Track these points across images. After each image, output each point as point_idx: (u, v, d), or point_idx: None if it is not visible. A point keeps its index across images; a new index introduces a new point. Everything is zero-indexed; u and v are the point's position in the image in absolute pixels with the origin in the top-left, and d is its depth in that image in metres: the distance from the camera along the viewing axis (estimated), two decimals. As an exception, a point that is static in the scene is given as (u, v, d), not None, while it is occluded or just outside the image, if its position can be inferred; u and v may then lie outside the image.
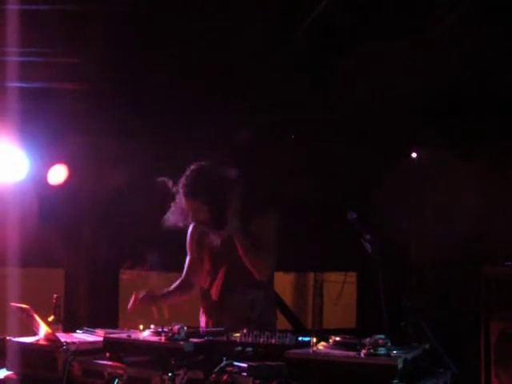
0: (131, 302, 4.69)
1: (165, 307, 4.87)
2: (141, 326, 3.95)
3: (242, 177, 4.74)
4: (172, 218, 4.73)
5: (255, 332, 3.60)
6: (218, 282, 4.72)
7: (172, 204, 4.73)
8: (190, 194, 4.61)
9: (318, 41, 5.65)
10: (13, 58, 5.82)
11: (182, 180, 4.65)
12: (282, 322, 7.44)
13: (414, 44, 5.48)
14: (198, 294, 4.90)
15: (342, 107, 6.33)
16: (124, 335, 3.83)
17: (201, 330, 4.00)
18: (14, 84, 6.16)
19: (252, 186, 4.91)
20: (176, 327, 3.60)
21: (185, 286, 4.93)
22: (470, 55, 5.58)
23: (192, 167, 4.68)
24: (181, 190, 4.64)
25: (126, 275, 7.64)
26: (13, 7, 5.14)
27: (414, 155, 7.49)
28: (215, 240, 4.70)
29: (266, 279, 4.69)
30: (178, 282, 4.94)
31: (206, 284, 4.79)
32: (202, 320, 4.83)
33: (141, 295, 4.69)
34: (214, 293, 4.72)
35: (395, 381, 3.01)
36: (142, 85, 6.43)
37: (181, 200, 4.66)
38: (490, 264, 6.22)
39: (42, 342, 4.07)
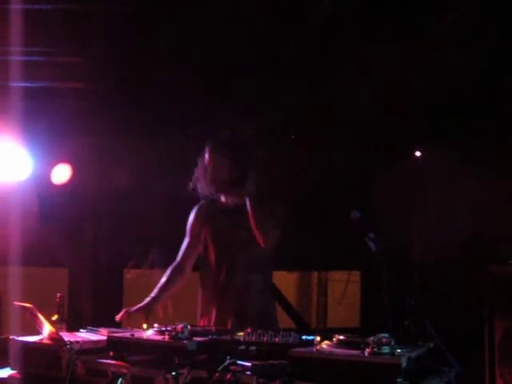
0: (121, 314, 4.65)
1: (169, 304, 4.87)
2: (144, 325, 3.95)
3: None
4: (198, 184, 4.78)
5: (259, 331, 3.60)
6: (223, 263, 4.70)
7: (199, 169, 4.78)
8: (215, 145, 4.69)
9: (318, 41, 5.64)
10: (16, 58, 5.82)
11: (216, 137, 4.75)
12: (286, 321, 7.46)
13: (415, 44, 5.48)
14: (199, 279, 4.87)
15: (343, 107, 6.33)
16: (127, 334, 3.82)
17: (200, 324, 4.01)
18: (17, 83, 6.16)
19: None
20: (179, 326, 3.59)
21: (176, 274, 4.88)
22: (471, 55, 5.57)
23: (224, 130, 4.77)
24: (207, 146, 4.71)
25: (129, 274, 7.64)
26: (16, 7, 5.14)
27: (417, 154, 7.48)
28: (229, 201, 4.70)
29: (270, 247, 4.66)
30: (168, 272, 4.88)
31: (211, 265, 4.77)
32: (201, 308, 4.79)
33: (132, 310, 4.66)
34: (220, 274, 4.70)
35: (399, 379, 3.01)
36: (144, 84, 6.43)
37: (204, 160, 4.72)
38: (494, 263, 6.22)
39: (45, 341, 4.06)
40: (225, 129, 4.78)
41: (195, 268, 4.94)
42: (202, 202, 4.90)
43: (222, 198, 4.77)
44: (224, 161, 4.67)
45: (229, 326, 4.43)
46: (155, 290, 4.81)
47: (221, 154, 4.68)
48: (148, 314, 4.61)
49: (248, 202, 4.58)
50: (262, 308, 4.69)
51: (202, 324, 4.66)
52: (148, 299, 4.75)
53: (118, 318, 4.62)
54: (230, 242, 4.70)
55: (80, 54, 6.04)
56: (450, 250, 6.87)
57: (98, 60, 6.08)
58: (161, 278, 4.91)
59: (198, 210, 4.91)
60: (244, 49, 5.70)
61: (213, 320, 4.65)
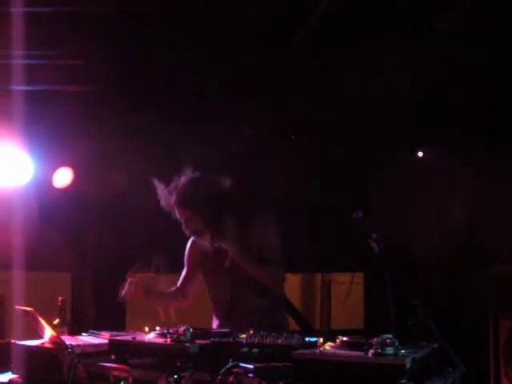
0: (126, 287, 4.64)
1: (172, 309, 4.86)
2: (146, 328, 3.94)
3: (239, 188, 4.72)
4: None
5: (261, 333, 3.57)
6: (226, 293, 4.69)
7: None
8: (180, 203, 4.59)
9: (318, 41, 5.63)
10: (17, 61, 5.81)
11: (175, 190, 4.62)
12: (289, 323, 7.43)
13: (415, 44, 5.47)
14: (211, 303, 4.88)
15: (343, 107, 6.32)
16: (129, 337, 3.81)
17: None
18: (18, 87, 6.15)
19: (249, 190, 4.89)
20: (181, 329, 3.57)
21: (178, 295, 4.93)
22: (471, 55, 5.56)
23: (183, 177, 4.65)
24: (173, 201, 4.61)
25: (132, 278, 7.62)
26: (17, 10, 5.14)
27: (420, 154, 7.47)
28: (216, 247, 4.65)
29: (279, 290, 4.67)
30: (173, 289, 4.93)
31: (216, 296, 4.77)
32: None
33: (136, 281, 4.66)
34: (225, 302, 4.70)
35: (403, 380, 2.99)
36: (146, 87, 6.42)
37: (174, 207, 4.64)
38: (497, 263, 6.21)
39: (47, 345, 4.06)
40: (189, 180, 4.68)
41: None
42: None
43: (206, 246, 4.71)
44: (192, 214, 4.59)
45: None
46: (161, 290, 4.86)
47: (187, 208, 4.59)
48: (144, 296, 4.64)
49: (238, 261, 4.55)
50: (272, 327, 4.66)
51: None
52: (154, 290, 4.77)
53: (122, 295, 4.65)
54: (229, 279, 4.67)
55: (81, 57, 6.03)
56: (453, 250, 6.86)
57: (100, 63, 6.07)
58: (163, 282, 4.91)
59: (192, 244, 4.90)
60: (244, 49, 5.70)
61: None
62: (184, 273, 4.94)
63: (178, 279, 5.04)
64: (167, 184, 4.69)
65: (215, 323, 4.79)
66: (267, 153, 7.17)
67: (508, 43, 5.51)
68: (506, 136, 6.49)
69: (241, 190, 4.77)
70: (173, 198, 4.62)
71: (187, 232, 4.70)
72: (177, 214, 4.65)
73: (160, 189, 4.68)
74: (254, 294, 4.61)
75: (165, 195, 4.66)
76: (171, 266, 4.96)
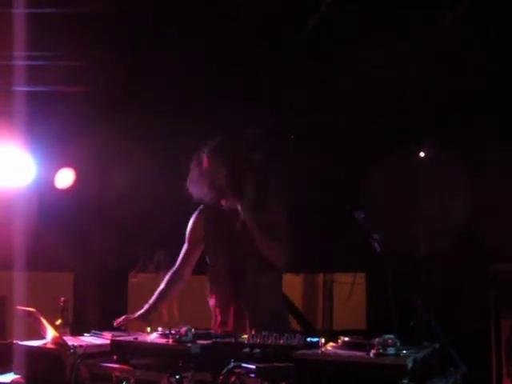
0: (121, 319, 4.65)
1: (175, 309, 4.86)
2: (148, 329, 3.94)
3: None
4: (194, 188, 4.75)
5: (263, 333, 3.58)
6: (231, 267, 4.68)
7: (194, 173, 4.76)
8: (213, 151, 4.68)
9: (318, 40, 5.64)
10: (19, 62, 5.82)
11: (209, 144, 4.72)
12: (291, 323, 7.43)
13: (415, 43, 5.47)
14: (208, 283, 4.85)
15: (343, 107, 6.32)
16: (131, 338, 3.81)
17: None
18: (20, 88, 6.16)
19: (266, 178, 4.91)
20: (183, 329, 3.58)
21: (175, 279, 4.88)
22: (472, 54, 5.56)
23: (217, 138, 4.76)
24: (204, 150, 4.70)
25: (134, 278, 7.63)
26: (19, 11, 5.14)
27: (421, 154, 7.46)
28: (230, 206, 4.66)
29: (283, 265, 4.67)
30: (167, 277, 4.89)
31: (218, 269, 4.75)
32: (217, 310, 4.76)
33: (132, 317, 4.68)
34: (229, 277, 4.67)
35: (405, 381, 2.99)
36: (148, 88, 6.42)
37: (203, 165, 4.70)
38: (498, 261, 6.20)
39: (49, 346, 4.05)
40: (222, 134, 4.76)
41: (199, 272, 4.93)
42: (201, 207, 4.89)
43: (222, 203, 4.74)
44: (221, 167, 4.65)
45: (247, 325, 4.41)
46: (154, 297, 4.82)
47: (218, 160, 4.66)
48: (148, 321, 4.59)
49: (250, 226, 4.57)
50: (274, 307, 4.68)
51: (219, 326, 4.65)
52: (147, 306, 4.77)
53: (116, 322, 4.62)
54: (234, 246, 4.68)
55: (83, 58, 6.04)
56: (454, 249, 6.85)
57: (101, 64, 6.07)
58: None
59: (197, 216, 4.89)
60: (244, 49, 5.70)
61: (231, 316, 4.64)
62: (184, 249, 4.91)
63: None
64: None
65: (211, 301, 4.77)
66: (267, 153, 7.17)
67: (508, 43, 5.51)
68: (505, 136, 6.48)
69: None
70: (206, 149, 4.71)
71: (205, 189, 4.70)
72: (204, 166, 4.70)
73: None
74: (255, 267, 4.61)
75: (195, 159, 4.74)
76: (172, 262, 4.97)
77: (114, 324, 4.61)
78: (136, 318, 4.67)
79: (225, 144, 4.74)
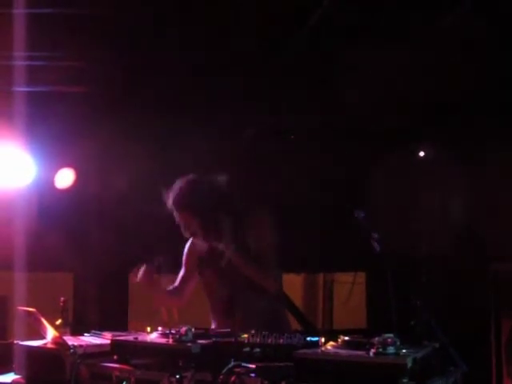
0: (142, 271, 4.67)
1: (174, 309, 4.87)
2: (148, 328, 3.94)
3: (235, 189, 4.73)
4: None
5: (263, 332, 3.58)
6: (224, 295, 4.70)
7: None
8: (179, 206, 4.62)
9: (318, 40, 5.64)
10: (19, 62, 5.81)
11: (172, 193, 4.65)
12: (291, 323, 7.43)
13: (415, 43, 5.47)
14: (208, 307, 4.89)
15: (343, 107, 6.32)
16: (131, 337, 3.82)
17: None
18: (20, 88, 6.16)
19: (248, 190, 4.90)
20: (183, 329, 3.58)
21: (174, 294, 4.93)
22: (471, 55, 5.56)
23: (181, 180, 4.68)
24: (171, 204, 4.64)
25: (135, 279, 7.62)
26: (19, 11, 5.14)
27: (421, 154, 7.46)
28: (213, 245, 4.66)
29: (277, 290, 4.69)
30: (171, 287, 4.93)
31: (214, 296, 4.78)
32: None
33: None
34: (224, 305, 4.69)
35: (404, 380, 2.99)
36: (148, 88, 6.42)
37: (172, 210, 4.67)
38: (498, 262, 6.21)
39: (49, 346, 4.06)
40: (183, 184, 4.70)
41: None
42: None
43: (203, 246, 4.74)
44: (189, 216, 4.62)
45: None
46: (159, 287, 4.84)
47: (184, 211, 4.62)
48: (149, 281, 4.64)
49: (236, 262, 4.57)
50: (272, 321, 4.66)
51: None
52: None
53: (139, 279, 4.67)
54: (227, 278, 4.67)
55: (83, 59, 6.04)
56: (454, 249, 6.86)
57: (102, 64, 6.07)
58: (165, 283, 4.93)
59: (190, 245, 4.92)
60: (244, 49, 5.70)
61: None
62: (181, 274, 4.95)
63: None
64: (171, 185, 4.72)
65: (214, 324, 4.79)
66: (267, 153, 7.18)
67: (508, 43, 5.51)
68: (506, 136, 6.48)
69: (239, 190, 4.78)
70: (170, 201, 4.65)
71: (185, 233, 4.72)
72: (175, 217, 4.68)
73: (165, 194, 4.70)
74: (253, 294, 4.62)
75: (167, 199, 4.69)
76: (173, 266, 4.98)
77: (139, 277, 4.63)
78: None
79: (184, 193, 4.64)
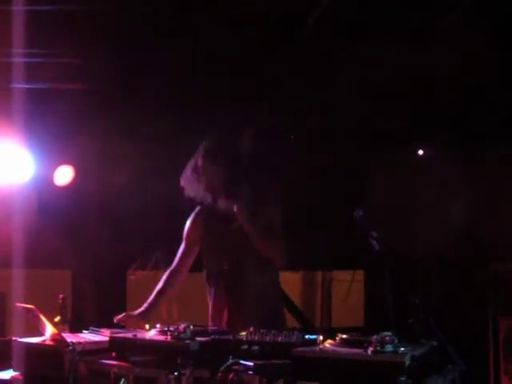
0: (120, 316, 4.65)
1: (173, 306, 4.87)
2: (147, 326, 3.95)
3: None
4: (188, 185, 4.74)
5: (261, 330, 3.58)
6: (228, 267, 4.68)
7: (190, 172, 4.74)
8: (209, 151, 4.67)
9: (318, 40, 5.64)
10: (18, 59, 5.81)
11: (206, 144, 4.69)
12: (290, 321, 7.43)
13: (415, 43, 5.47)
14: (205, 281, 4.85)
15: (343, 107, 6.32)
16: (130, 335, 3.82)
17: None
18: (19, 85, 6.16)
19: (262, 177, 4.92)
20: (182, 326, 3.58)
21: (173, 278, 4.90)
22: (471, 55, 5.56)
23: (214, 136, 4.75)
24: (200, 152, 4.68)
25: (133, 276, 7.63)
26: (17, 8, 5.14)
27: (420, 152, 7.46)
28: (227, 207, 4.63)
29: (282, 263, 4.68)
30: (165, 277, 4.90)
31: (215, 268, 4.75)
32: (212, 309, 4.77)
33: (131, 315, 4.69)
34: (226, 276, 4.68)
35: (402, 378, 2.99)
36: (146, 85, 6.42)
37: (198, 165, 4.68)
38: (497, 260, 6.21)
39: (48, 343, 4.07)
40: (220, 133, 4.75)
41: (198, 269, 4.94)
42: (198, 208, 4.89)
43: (219, 204, 4.72)
44: (218, 169, 4.65)
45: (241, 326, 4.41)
46: (152, 295, 4.84)
47: (214, 160, 4.65)
48: (147, 319, 4.59)
49: (242, 223, 4.57)
50: (273, 307, 4.69)
51: (213, 325, 4.64)
52: (146, 305, 4.79)
53: (116, 319, 4.62)
54: (232, 246, 4.68)
55: (82, 56, 6.04)
56: (452, 248, 6.86)
57: (100, 61, 6.07)
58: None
59: (195, 216, 4.90)
60: (244, 49, 5.70)
61: (224, 321, 4.63)
62: (181, 249, 4.92)
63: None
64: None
65: (210, 297, 4.77)
66: (267, 153, 7.17)
67: (508, 43, 5.51)
68: (505, 136, 6.49)
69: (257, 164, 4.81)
70: (200, 152, 4.69)
71: (201, 190, 4.70)
72: (199, 166, 4.69)
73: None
74: (254, 266, 4.63)
75: (190, 165, 4.72)
76: (170, 261, 4.98)
77: (114, 320, 4.62)
78: (135, 316, 4.68)
79: (221, 144, 4.73)
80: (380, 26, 5.33)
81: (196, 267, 4.97)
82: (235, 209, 4.56)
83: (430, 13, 5.22)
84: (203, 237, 4.82)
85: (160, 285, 4.88)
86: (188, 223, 4.91)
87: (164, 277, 4.90)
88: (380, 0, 5.19)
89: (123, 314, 4.66)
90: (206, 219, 4.83)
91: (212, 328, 4.11)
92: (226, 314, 4.64)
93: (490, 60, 5.71)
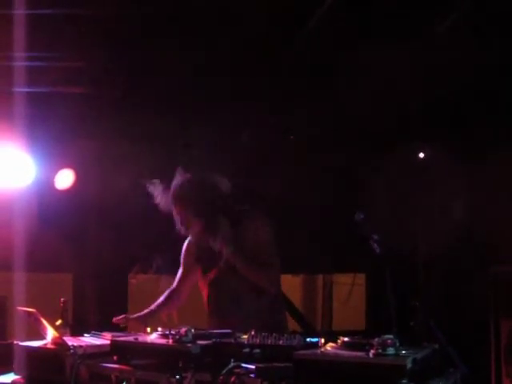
0: (119, 317, 4.66)
1: (174, 312, 4.87)
2: (148, 329, 3.94)
3: (234, 189, 4.73)
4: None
5: (263, 333, 3.58)
6: (225, 293, 4.70)
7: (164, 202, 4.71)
8: (176, 201, 4.64)
9: (318, 41, 5.64)
10: (19, 63, 5.82)
11: (173, 188, 4.65)
12: (291, 324, 7.43)
13: (415, 44, 5.48)
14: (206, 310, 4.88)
15: (344, 107, 6.32)
16: (131, 338, 3.81)
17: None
18: (20, 89, 6.16)
19: (246, 190, 4.91)
20: (183, 329, 3.58)
21: (173, 297, 4.93)
22: (471, 55, 5.57)
23: (179, 177, 4.67)
24: (171, 200, 4.65)
25: (134, 279, 7.63)
26: (19, 12, 5.15)
27: (421, 155, 7.46)
28: (210, 244, 4.63)
29: (276, 290, 4.69)
30: (166, 293, 4.93)
31: (211, 296, 4.78)
32: None
33: (131, 317, 4.70)
34: (223, 302, 4.70)
35: (404, 381, 2.99)
36: (147, 88, 6.43)
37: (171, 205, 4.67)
38: (497, 263, 6.21)
39: (49, 346, 4.06)
40: (187, 180, 4.70)
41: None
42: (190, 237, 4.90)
43: (203, 242, 4.71)
44: (187, 213, 4.63)
45: None
46: (153, 305, 4.86)
47: (182, 207, 4.63)
48: (145, 324, 4.59)
49: (235, 262, 4.57)
50: (273, 326, 4.67)
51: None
52: (147, 311, 4.81)
53: (115, 319, 4.63)
54: (225, 277, 4.68)
55: (83, 59, 6.04)
56: (453, 250, 6.85)
57: (101, 65, 6.08)
58: (164, 283, 4.93)
59: (189, 243, 4.91)
60: (244, 49, 5.70)
61: None
62: (179, 273, 4.95)
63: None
64: (166, 184, 4.71)
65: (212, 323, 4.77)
66: (267, 153, 7.18)
67: (508, 43, 5.51)
68: (505, 136, 6.49)
69: (237, 191, 4.78)
70: (169, 197, 4.66)
71: (182, 230, 4.72)
72: (173, 213, 4.68)
73: (158, 190, 4.69)
74: (251, 294, 4.62)
75: (163, 195, 4.68)
76: (172, 266, 4.98)
77: (113, 320, 4.62)
78: (134, 319, 4.68)
79: (184, 190, 4.65)
80: (380, 25, 5.33)
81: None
82: (218, 245, 4.56)
83: (430, 13, 5.22)
84: (198, 260, 4.85)
85: (161, 299, 4.91)
86: (183, 248, 4.95)
87: (165, 293, 4.93)
88: (380, 1, 5.19)
89: (122, 316, 4.66)
90: (198, 250, 4.85)
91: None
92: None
93: (489, 60, 5.71)
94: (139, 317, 4.73)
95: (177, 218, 4.68)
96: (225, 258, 4.59)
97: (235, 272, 4.60)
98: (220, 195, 4.65)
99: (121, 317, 4.64)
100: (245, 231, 4.64)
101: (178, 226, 4.71)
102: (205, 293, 4.84)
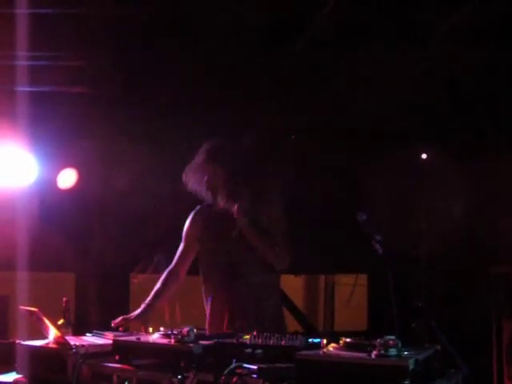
0: (118, 320, 4.64)
1: (176, 309, 4.86)
2: (150, 329, 3.94)
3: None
4: (191, 183, 4.76)
5: (265, 334, 3.58)
6: (229, 267, 4.67)
7: (192, 170, 4.75)
8: (212, 151, 4.69)
9: (319, 41, 5.64)
10: (22, 62, 5.82)
11: (208, 145, 4.72)
12: (293, 324, 7.44)
13: (415, 44, 5.48)
14: (203, 284, 4.85)
15: (344, 107, 6.33)
16: (133, 338, 3.81)
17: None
18: (23, 88, 6.17)
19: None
20: (185, 329, 3.57)
21: (171, 279, 4.88)
22: (471, 55, 5.57)
23: (216, 139, 4.75)
24: (202, 151, 4.70)
25: (136, 279, 7.64)
26: (21, 11, 5.15)
27: (424, 156, 7.46)
28: (227, 206, 4.63)
29: (287, 267, 4.67)
30: (163, 277, 4.89)
31: (215, 269, 4.75)
32: (211, 314, 4.77)
33: (129, 317, 4.67)
34: (227, 278, 4.67)
35: (406, 382, 2.99)
36: (149, 88, 6.43)
37: (199, 163, 4.71)
38: (499, 263, 6.21)
39: (51, 346, 4.06)
40: (222, 137, 4.75)
41: (194, 272, 4.94)
42: (198, 208, 4.90)
43: (220, 204, 4.71)
44: (220, 170, 4.66)
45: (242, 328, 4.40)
46: (150, 296, 4.82)
47: (216, 161, 4.67)
48: (145, 321, 4.59)
49: (248, 234, 4.57)
50: (273, 310, 4.68)
51: (211, 329, 4.62)
52: (143, 306, 4.77)
53: (114, 323, 4.61)
54: (232, 247, 4.68)
55: (85, 59, 6.05)
56: (455, 250, 6.85)
57: (104, 64, 6.08)
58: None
59: (194, 215, 4.90)
60: (245, 49, 5.71)
61: (225, 324, 4.61)
62: (180, 249, 4.91)
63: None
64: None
65: (207, 297, 4.77)
66: (267, 153, 7.18)
67: (508, 43, 5.52)
68: (505, 136, 6.49)
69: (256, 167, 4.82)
70: (201, 154, 4.71)
71: (208, 195, 4.72)
72: (201, 164, 4.72)
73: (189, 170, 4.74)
74: (255, 268, 4.63)
75: (193, 163, 4.74)
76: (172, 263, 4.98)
77: (112, 324, 4.61)
78: (133, 319, 4.67)
79: (223, 144, 4.74)
80: (381, 26, 5.33)
81: (198, 270, 4.97)
82: (235, 209, 4.57)
83: (430, 13, 5.22)
84: (202, 237, 4.82)
85: (158, 285, 4.86)
86: (187, 222, 4.92)
87: (162, 277, 4.90)
88: (380, 1, 5.19)
89: (120, 318, 4.64)
90: (204, 219, 4.84)
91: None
92: (226, 316, 4.63)
93: (490, 60, 5.71)
94: (138, 315, 4.71)
95: (203, 176, 4.69)
96: (238, 228, 4.59)
97: (242, 245, 4.60)
98: (246, 162, 4.72)
99: (119, 319, 4.63)
100: (262, 206, 4.66)
101: (203, 194, 4.72)
102: (205, 261, 4.82)
